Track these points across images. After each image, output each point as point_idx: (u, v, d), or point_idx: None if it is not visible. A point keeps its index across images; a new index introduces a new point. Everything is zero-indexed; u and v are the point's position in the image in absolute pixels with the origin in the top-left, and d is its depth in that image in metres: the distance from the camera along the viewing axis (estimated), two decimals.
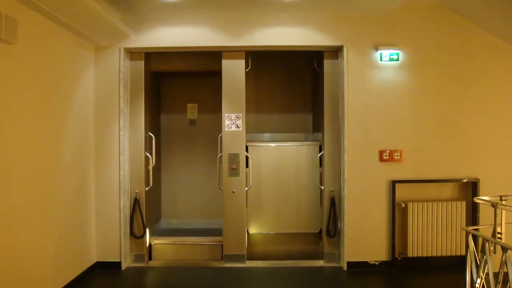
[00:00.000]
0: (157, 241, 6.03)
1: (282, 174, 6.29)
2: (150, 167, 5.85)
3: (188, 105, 6.92)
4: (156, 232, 6.40)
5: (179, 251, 6.00)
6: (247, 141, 5.92)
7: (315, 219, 6.31)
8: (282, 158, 6.29)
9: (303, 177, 6.25)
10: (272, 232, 6.34)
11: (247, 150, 5.88)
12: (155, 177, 6.04)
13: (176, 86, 6.92)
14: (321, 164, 5.92)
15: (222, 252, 5.82)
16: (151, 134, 5.91)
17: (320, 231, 6.10)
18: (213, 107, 6.55)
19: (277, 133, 6.82)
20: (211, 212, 6.82)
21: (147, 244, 5.87)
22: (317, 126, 6.20)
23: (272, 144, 6.10)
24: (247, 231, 5.97)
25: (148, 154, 5.81)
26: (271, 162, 6.28)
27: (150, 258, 5.94)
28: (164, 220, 6.94)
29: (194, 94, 6.95)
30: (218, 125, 5.98)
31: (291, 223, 6.34)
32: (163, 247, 6.00)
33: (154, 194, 6.18)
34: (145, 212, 5.76)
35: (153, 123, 6.30)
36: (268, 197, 6.35)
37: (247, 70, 5.80)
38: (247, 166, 5.83)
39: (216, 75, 5.92)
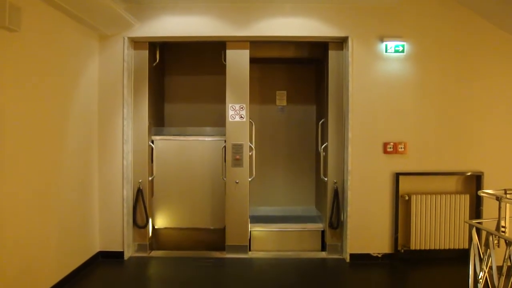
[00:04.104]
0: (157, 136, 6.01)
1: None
2: (154, 157, 5.86)
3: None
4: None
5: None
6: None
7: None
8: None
9: None
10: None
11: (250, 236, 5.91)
12: None
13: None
14: (324, 157, 5.90)
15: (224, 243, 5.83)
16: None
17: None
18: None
19: (280, 207, 6.90)
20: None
21: (150, 234, 5.88)
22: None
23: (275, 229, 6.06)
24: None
25: (151, 144, 5.81)
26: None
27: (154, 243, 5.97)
28: None
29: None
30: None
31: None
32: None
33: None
34: (148, 202, 5.77)
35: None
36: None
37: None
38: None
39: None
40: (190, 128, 6.19)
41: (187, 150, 5.99)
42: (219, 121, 6.19)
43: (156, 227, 6.03)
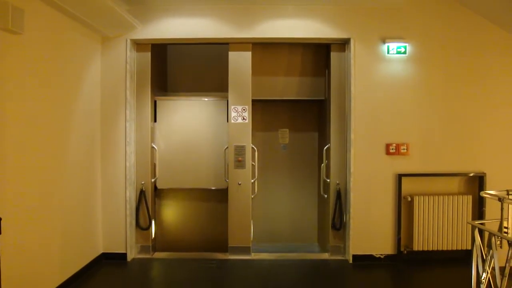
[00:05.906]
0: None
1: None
2: (157, 160, 5.87)
3: None
4: None
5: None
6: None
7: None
8: None
9: None
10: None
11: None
12: None
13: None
14: (327, 158, 5.90)
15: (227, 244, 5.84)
16: None
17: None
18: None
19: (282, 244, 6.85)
20: None
21: (153, 236, 5.89)
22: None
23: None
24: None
25: (154, 146, 5.83)
26: None
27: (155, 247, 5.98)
28: None
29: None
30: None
31: None
32: None
33: None
34: (150, 203, 5.78)
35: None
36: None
37: None
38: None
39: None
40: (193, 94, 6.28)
41: (190, 109, 6.06)
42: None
43: (159, 187, 6.06)
